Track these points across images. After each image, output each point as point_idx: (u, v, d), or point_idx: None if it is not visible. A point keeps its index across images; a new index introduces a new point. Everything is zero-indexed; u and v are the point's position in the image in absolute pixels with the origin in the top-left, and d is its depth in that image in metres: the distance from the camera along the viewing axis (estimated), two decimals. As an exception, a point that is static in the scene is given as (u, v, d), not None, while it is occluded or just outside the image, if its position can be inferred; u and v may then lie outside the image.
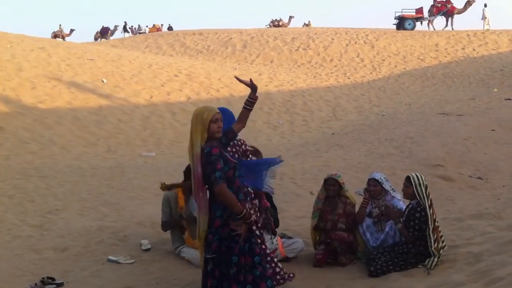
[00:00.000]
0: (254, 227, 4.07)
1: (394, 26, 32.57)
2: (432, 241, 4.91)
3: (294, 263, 5.42)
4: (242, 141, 4.96)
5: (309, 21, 43.74)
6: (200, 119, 3.86)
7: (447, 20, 32.02)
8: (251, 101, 4.09)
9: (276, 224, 5.57)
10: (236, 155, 4.41)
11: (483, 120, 13.35)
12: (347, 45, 27.16)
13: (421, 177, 5.10)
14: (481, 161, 10.07)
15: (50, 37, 35.64)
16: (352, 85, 20.67)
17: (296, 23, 42.49)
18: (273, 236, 5.40)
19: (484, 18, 31.45)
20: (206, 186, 3.91)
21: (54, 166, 10.45)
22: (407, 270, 4.93)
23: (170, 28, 43.82)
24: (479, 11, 32.02)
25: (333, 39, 28.10)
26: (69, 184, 9.10)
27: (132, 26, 46.60)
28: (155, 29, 43.73)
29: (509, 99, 17.33)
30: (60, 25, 39.51)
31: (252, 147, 5.42)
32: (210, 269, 3.91)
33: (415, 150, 10.55)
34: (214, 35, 30.80)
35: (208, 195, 3.94)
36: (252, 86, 4.07)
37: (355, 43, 27.42)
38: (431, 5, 32.47)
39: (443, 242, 5.06)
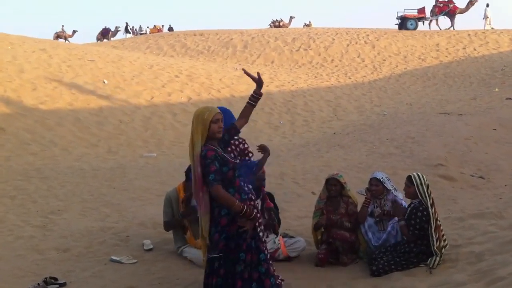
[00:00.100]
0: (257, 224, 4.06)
1: (395, 26, 32.60)
2: (434, 240, 4.92)
3: (296, 262, 5.43)
4: (241, 140, 4.92)
5: (309, 22, 43.89)
6: (201, 120, 3.86)
7: (451, 20, 32.01)
8: (256, 96, 4.08)
9: (279, 224, 5.59)
10: (232, 154, 4.37)
11: (484, 119, 13.32)
12: (348, 45, 27.16)
13: (423, 176, 5.11)
14: (483, 160, 10.06)
15: (52, 38, 35.66)
16: (353, 85, 20.66)
17: (296, 24, 42.68)
18: (275, 236, 5.41)
19: (485, 17, 31.45)
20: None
21: (55, 167, 10.47)
22: (409, 269, 4.94)
23: (170, 29, 43.83)
24: (481, 11, 32.11)
25: (333, 39, 28.09)
26: (70, 185, 9.12)
27: (133, 27, 46.72)
28: (156, 30, 43.79)
29: (510, 98, 17.31)
30: (62, 26, 39.61)
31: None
32: (215, 268, 3.90)
33: (416, 149, 10.54)
34: (215, 36, 30.80)
35: (209, 195, 3.92)
36: (259, 81, 4.06)
37: (356, 43, 27.42)
38: (433, 5, 32.47)
39: (444, 241, 5.07)
